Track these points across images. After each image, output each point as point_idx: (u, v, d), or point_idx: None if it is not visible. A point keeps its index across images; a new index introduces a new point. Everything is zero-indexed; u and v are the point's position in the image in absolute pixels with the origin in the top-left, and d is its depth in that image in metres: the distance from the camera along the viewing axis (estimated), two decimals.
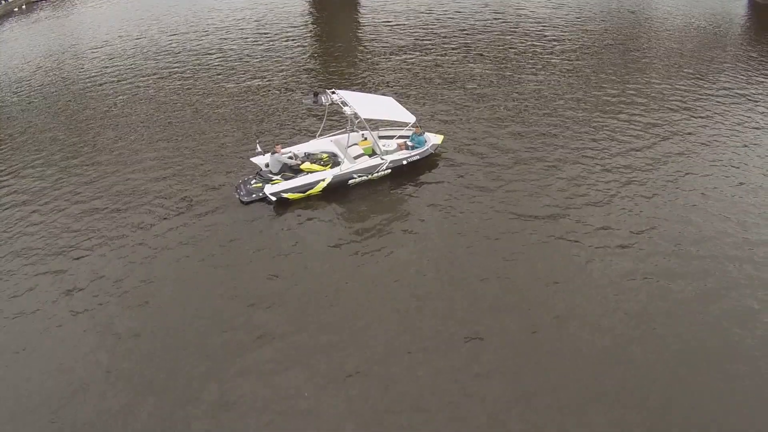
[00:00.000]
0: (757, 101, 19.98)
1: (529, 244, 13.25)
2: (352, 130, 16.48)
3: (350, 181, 15.40)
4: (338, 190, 15.20)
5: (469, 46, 25.17)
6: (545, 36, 26.27)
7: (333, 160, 15.90)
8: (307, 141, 16.90)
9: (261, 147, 16.03)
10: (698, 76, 22.08)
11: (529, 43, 25.46)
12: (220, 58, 25.00)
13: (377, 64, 23.75)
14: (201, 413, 9.73)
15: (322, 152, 16.22)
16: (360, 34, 28.11)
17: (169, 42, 27.34)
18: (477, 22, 28.16)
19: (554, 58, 23.68)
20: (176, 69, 24.10)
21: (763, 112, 19.14)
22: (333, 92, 16.08)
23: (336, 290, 12.15)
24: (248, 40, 27.01)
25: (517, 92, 20.70)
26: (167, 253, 13.33)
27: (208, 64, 24.36)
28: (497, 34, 26.56)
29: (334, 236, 13.86)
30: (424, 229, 13.89)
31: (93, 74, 24.29)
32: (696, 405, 9.65)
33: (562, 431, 9.32)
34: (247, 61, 24.44)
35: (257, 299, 11.94)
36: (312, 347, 10.85)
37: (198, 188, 15.62)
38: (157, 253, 13.34)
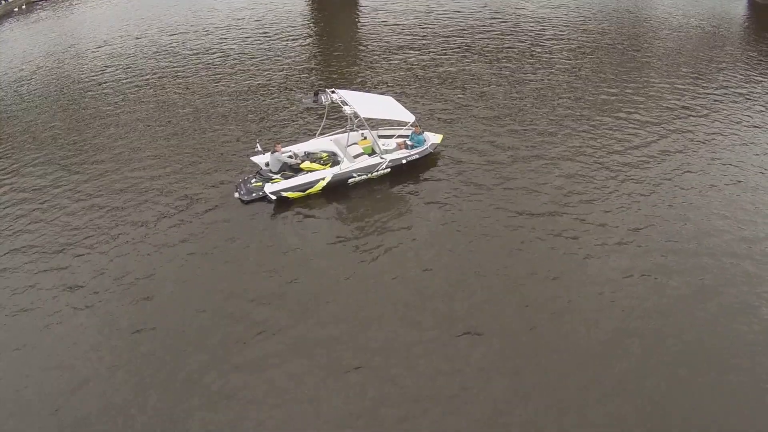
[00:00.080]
0: (755, 100, 20.07)
1: (528, 241, 13.33)
2: (352, 130, 16.55)
3: (350, 180, 15.47)
4: (338, 189, 15.27)
5: (468, 46, 25.23)
6: (544, 35, 26.35)
7: (333, 159, 15.95)
8: (307, 140, 16.96)
9: (261, 146, 16.09)
10: (697, 75, 22.17)
11: (529, 42, 25.54)
12: (220, 57, 25.06)
13: (377, 64, 23.83)
14: (201, 407, 9.80)
15: (322, 151, 16.28)
16: (360, 34, 28.18)
17: (170, 42, 27.40)
18: (476, 22, 28.23)
19: (553, 58, 23.76)
20: (176, 68, 24.16)
21: (761, 111, 19.23)
22: (333, 91, 16.14)
23: (336, 286, 12.23)
24: (248, 39, 27.07)
25: (516, 91, 20.78)
26: (168, 250, 13.40)
27: (209, 64, 24.42)
28: (496, 34, 26.63)
29: (334, 234, 13.94)
30: (424, 226, 13.97)
31: (93, 74, 24.35)
32: (694, 401, 9.71)
33: (560, 426, 9.38)
34: (247, 61, 24.51)
35: (257, 295, 12.02)
36: (312, 342, 10.93)
37: (198, 186, 15.69)
38: (157, 250, 13.41)
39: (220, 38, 27.42)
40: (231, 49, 25.98)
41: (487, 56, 24.04)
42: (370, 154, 16.09)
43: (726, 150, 16.90)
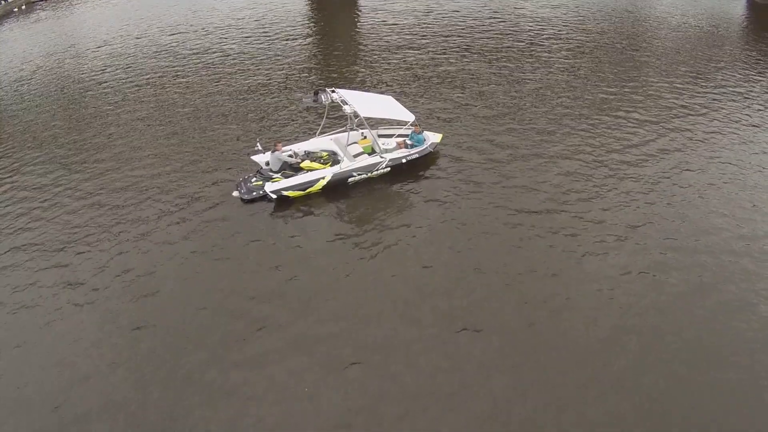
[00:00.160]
0: (754, 99, 20.13)
1: (527, 238, 13.38)
2: (352, 129, 16.60)
3: (350, 179, 15.52)
4: (338, 188, 15.32)
5: (467, 45, 25.29)
6: (543, 35, 26.40)
7: (333, 159, 16.00)
8: (307, 139, 17.01)
9: (261, 145, 16.14)
10: (696, 74, 22.22)
11: (528, 41, 25.60)
12: (220, 57, 25.11)
13: (376, 63, 23.88)
14: (202, 404, 9.84)
15: (322, 150, 16.33)
16: (359, 34, 28.24)
17: (170, 41, 27.45)
18: (476, 22, 28.29)
19: (552, 57, 23.81)
20: (177, 68, 24.21)
21: (760, 110, 19.29)
22: (333, 91, 16.19)
23: (336, 284, 12.27)
24: (248, 39, 27.13)
25: (515, 90, 20.83)
26: (168, 248, 13.46)
27: (209, 63, 24.47)
28: (496, 34, 26.69)
29: (334, 232, 13.98)
30: (423, 224, 14.01)
31: (93, 73, 24.40)
32: (693, 398, 9.76)
33: (559, 423, 9.42)
34: (248, 60, 24.56)
35: (258, 293, 12.07)
36: (312, 339, 10.98)
37: (199, 185, 15.74)
38: (158, 248, 13.47)
39: (220, 38, 27.47)
40: (231, 48, 26.03)
41: (486, 56, 24.10)
42: (370, 154, 16.14)
43: (724, 148, 16.96)
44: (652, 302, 11.59)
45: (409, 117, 16.19)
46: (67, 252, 13.52)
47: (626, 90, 20.75)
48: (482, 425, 9.41)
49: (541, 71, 22.42)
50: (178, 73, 23.64)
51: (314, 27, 29.60)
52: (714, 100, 20.02)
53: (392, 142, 16.65)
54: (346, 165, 15.51)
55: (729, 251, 12.86)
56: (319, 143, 16.65)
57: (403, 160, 15.90)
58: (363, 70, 23.49)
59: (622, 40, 25.96)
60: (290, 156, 15.87)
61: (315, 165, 15.69)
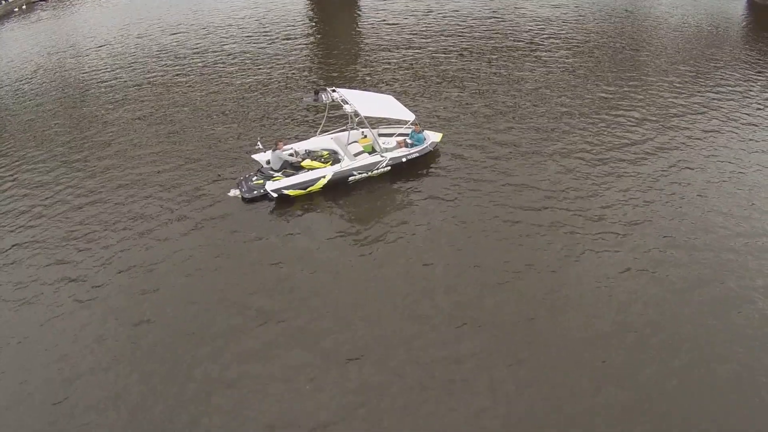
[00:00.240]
0: (752, 98, 20.19)
1: (526, 235, 13.43)
2: (352, 128, 16.67)
3: (350, 178, 15.57)
4: (339, 186, 15.37)
5: (467, 45, 25.37)
6: (543, 34, 26.48)
7: (333, 158, 16.05)
8: (308, 138, 17.07)
9: (262, 144, 16.21)
10: (695, 73, 22.29)
11: (527, 41, 25.68)
12: (221, 56, 25.19)
13: (376, 63, 23.95)
14: (204, 397, 9.90)
15: (323, 149, 16.39)
16: (359, 34, 28.32)
17: (170, 41, 27.53)
18: (476, 21, 28.37)
19: (552, 56, 23.88)
20: (177, 67, 24.29)
21: (759, 109, 19.35)
22: (333, 90, 16.26)
23: (337, 281, 12.33)
24: (249, 39, 27.21)
25: (515, 89, 20.90)
26: (169, 244, 13.52)
27: (209, 63, 24.55)
28: (496, 33, 26.77)
29: (335, 230, 14.05)
30: (424, 222, 14.06)
31: (94, 73, 24.47)
32: (691, 395, 9.81)
33: (558, 419, 9.47)
34: (248, 60, 24.63)
35: (259, 289, 12.13)
36: (312, 333, 11.04)
37: (200, 183, 15.80)
38: (159, 244, 13.53)
39: (221, 37, 27.56)
40: (231, 48, 26.11)
41: (486, 55, 24.18)
42: (370, 153, 16.19)
43: (723, 147, 17.02)
44: (650, 299, 11.64)
45: (410, 116, 16.25)
46: (69, 249, 13.58)
47: (625, 89, 20.81)
48: (481, 419, 9.46)
49: (540, 70, 22.50)
50: (179, 73, 23.71)
51: (314, 27, 29.69)
52: (713, 99, 20.08)
53: (392, 141, 16.71)
54: (346, 164, 15.57)
55: (728, 249, 12.91)
56: (319, 142, 16.71)
57: (404, 159, 15.96)
58: (363, 69, 23.56)
59: (622, 40, 26.04)
60: (291, 155, 15.94)
61: (316, 164, 15.75)
